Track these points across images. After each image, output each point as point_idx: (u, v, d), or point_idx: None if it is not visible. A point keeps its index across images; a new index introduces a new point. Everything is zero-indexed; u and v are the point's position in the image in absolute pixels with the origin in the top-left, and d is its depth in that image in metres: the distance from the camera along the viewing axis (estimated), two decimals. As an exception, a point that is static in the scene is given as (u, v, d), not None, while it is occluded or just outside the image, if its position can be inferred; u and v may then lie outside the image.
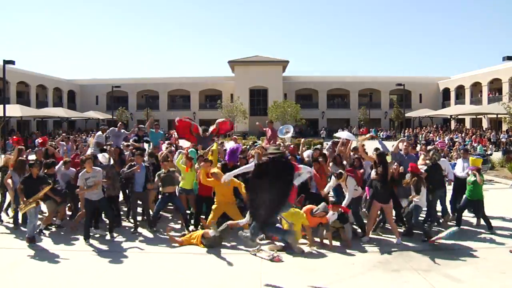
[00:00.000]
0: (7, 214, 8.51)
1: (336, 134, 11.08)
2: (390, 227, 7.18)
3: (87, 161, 7.14)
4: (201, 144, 9.53)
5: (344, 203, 6.98)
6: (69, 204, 8.40)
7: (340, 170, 7.36)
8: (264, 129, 11.55)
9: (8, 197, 8.24)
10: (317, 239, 6.88)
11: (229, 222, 6.86)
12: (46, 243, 6.97)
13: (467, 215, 8.22)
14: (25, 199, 6.85)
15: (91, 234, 7.15)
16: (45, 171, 7.59)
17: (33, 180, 7.05)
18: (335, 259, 6.19)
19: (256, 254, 6.32)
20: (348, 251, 6.53)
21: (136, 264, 6.01)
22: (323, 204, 6.72)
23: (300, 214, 6.66)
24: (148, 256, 6.31)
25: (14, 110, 27.07)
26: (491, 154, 20.77)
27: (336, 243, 6.82)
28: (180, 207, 7.74)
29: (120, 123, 11.38)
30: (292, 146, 9.29)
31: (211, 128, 10.53)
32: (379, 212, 7.47)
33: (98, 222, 7.67)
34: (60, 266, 5.90)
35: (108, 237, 7.22)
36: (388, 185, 6.95)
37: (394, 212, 7.38)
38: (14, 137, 13.46)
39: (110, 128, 10.83)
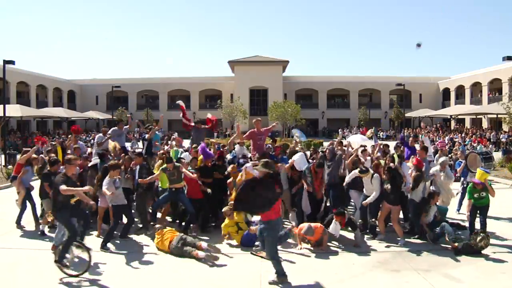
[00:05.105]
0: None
1: (349, 139, 11.12)
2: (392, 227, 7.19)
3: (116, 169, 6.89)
4: (195, 135, 10.04)
5: (370, 200, 7.09)
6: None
7: (366, 167, 7.43)
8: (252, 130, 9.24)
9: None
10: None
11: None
12: (46, 243, 6.94)
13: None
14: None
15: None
16: (49, 168, 7.57)
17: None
18: (335, 259, 6.20)
19: (256, 254, 6.32)
20: (348, 251, 6.53)
21: (135, 264, 6.01)
22: (307, 225, 6.63)
23: None
24: (148, 256, 6.31)
25: (14, 110, 27.07)
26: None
27: (336, 244, 6.83)
28: (187, 205, 7.43)
29: (120, 122, 10.77)
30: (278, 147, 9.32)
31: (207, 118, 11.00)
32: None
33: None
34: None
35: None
36: (397, 188, 6.97)
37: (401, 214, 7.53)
38: (38, 136, 13.45)
39: (112, 129, 10.31)
